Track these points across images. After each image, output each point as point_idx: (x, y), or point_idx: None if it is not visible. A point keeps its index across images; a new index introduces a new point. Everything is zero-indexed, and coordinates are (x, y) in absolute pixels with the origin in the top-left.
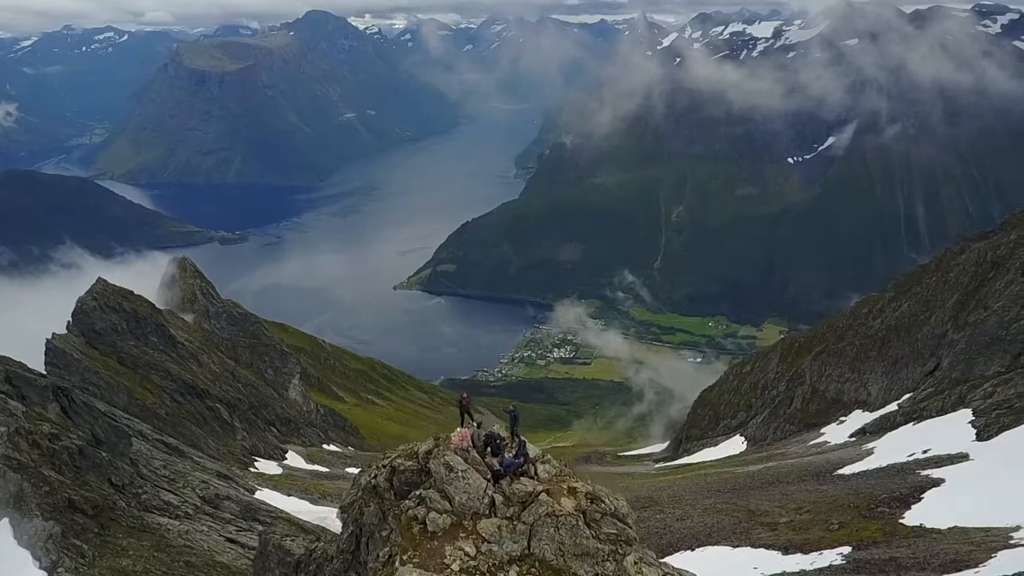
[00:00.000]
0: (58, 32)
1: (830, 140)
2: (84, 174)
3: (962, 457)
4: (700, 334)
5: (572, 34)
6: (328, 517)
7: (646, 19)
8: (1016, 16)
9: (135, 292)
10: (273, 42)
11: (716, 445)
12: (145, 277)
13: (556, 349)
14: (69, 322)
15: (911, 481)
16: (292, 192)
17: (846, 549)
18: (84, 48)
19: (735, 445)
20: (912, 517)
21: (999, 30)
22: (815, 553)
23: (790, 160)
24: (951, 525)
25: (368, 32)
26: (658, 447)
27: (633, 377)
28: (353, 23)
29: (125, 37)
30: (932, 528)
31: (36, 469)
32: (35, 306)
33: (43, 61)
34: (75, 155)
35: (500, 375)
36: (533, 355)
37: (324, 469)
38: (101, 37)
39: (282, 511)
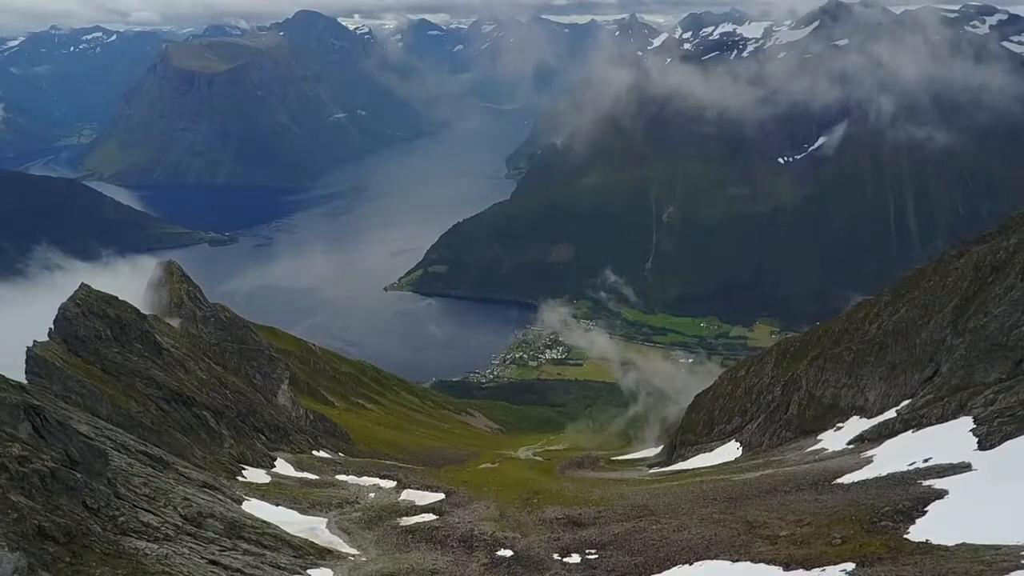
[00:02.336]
0: (45, 32)
1: (821, 140)
2: (72, 175)
3: (964, 467)
4: (691, 335)
5: (562, 34)
6: (317, 527)
7: (636, 20)
8: (1005, 17)
9: (120, 297)
10: (263, 42)
11: (711, 451)
12: (131, 281)
13: (548, 350)
14: (51, 329)
15: (913, 492)
16: (282, 193)
17: (850, 566)
18: (72, 48)
19: (730, 451)
20: (917, 532)
21: (988, 31)
22: (817, 569)
23: (781, 160)
24: (959, 542)
25: (358, 32)
26: (651, 451)
27: (624, 379)
28: (343, 23)
29: (113, 37)
30: (939, 545)
31: (3, 495)
32: (18, 312)
33: (30, 61)
34: (63, 156)
35: (492, 376)
36: (525, 356)
37: (314, 476)
38: (89, 37)
39: (269, 524)
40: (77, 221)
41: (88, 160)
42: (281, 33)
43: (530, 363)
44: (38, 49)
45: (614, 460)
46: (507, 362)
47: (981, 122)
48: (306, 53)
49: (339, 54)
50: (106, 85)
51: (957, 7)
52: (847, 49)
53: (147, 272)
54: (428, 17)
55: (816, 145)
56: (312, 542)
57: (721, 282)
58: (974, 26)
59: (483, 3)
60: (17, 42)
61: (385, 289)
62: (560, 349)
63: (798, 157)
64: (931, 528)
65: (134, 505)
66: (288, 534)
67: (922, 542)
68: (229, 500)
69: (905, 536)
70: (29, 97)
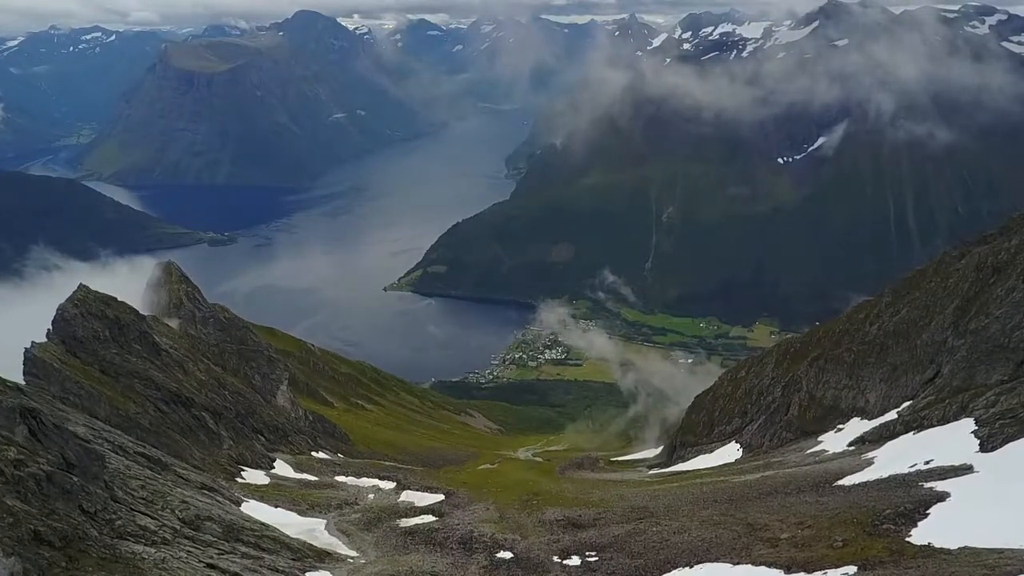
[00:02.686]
0: (44, 32)
1: (820, 140)
2: (72, 175)
3: (966, 469)
4: (691, 335)
5: (561, 35)
6: (316, 529)
7: (636, 20)
8: (1004, 17)
9: (118, 298)
10: (262, 42)
11: (711, 452)
12: (130, 281)
13: (547, 350)
14: (49, 330)
15: (915, 494)
16: (282, 193)
17: (852, 569)
18: (71, 48)
19: (731, 452)
20: (919, 535)
21: (987, 31)
22: (819, 573)
23: (780, 160)
24: (961, 545)
25: (357, 32)
26: (651, 452)
27: (623, 379)
28: (342, 23)
29: (113, 37)
30: (941, 548)
31: None
32: (16, 313)
33: (30, 61)
34: (63, 156)
35: (491, 377)
36: (524, 356)
37: (313, 478)
38: (88, 37)
39: (268, 527)
40: (76, 221)
41: (87, 160)
42: (280, 33)
43: (529, 363)
44: (37, 49)
45: (614, 461)
46: (507, 362)
47: (981, 122)
48: (305, 53)
49: (338, 54)
50: (105, 85)
51: (956, 7)
52: (846, 49)
53: (146, 272)
54: (427, 17)
55: (816, 145)
56: (311, 544)
57: (721, 282)
58: (973, 26)
59: (482, 3)
60: (16, 42)
61: (385, 289)
62: (559, 349)
63: (798, 157)
64: (933, 531)
65: (131, 508)
66: (287, 536)
67: (924, 545)
68: (228, 502)
69: (907, 539)
70: (28, 97)
